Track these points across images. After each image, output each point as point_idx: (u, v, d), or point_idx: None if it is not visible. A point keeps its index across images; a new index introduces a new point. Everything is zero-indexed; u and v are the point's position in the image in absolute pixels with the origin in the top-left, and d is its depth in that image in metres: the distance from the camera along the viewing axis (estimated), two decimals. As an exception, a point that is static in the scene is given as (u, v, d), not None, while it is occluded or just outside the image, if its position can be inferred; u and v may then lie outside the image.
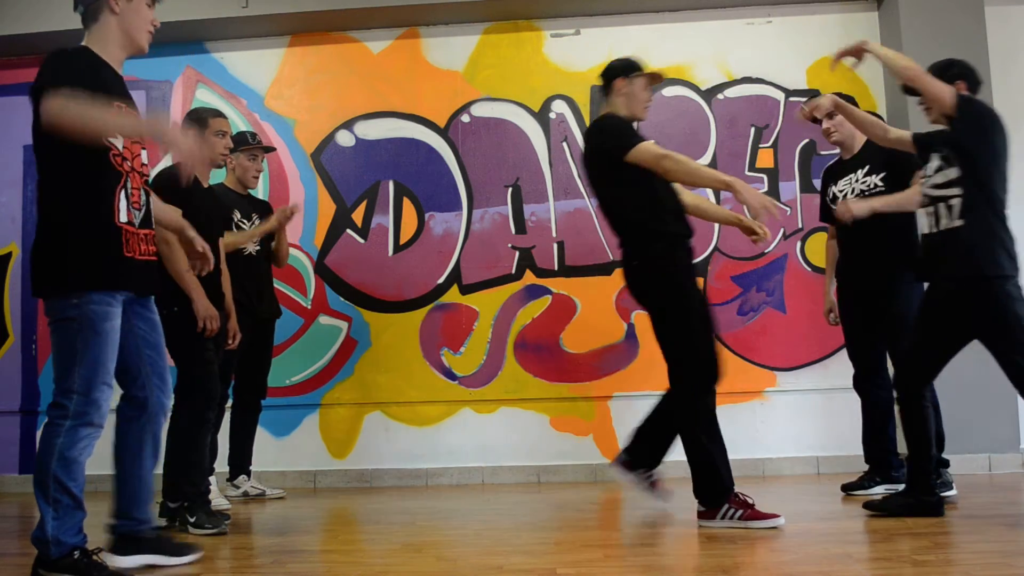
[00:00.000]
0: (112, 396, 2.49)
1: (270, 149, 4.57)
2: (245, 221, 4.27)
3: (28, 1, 5.09)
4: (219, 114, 3.75)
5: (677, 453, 3.24)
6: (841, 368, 4.42)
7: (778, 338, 4.93)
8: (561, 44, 5.21)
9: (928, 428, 3.17)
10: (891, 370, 3.89)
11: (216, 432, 3.94)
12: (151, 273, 2.60)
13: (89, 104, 2.34)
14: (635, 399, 3.58)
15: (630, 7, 5.13)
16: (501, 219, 5.12)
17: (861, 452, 3.97)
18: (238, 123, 5.09)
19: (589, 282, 5.00)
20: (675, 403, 3.22)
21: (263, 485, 4.53)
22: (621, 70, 3.36)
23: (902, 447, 3.52)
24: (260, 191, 4.91)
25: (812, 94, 4.58)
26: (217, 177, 3.97)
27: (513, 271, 5.08)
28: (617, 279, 4.65)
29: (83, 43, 2.56)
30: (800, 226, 4.99)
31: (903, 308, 3.71)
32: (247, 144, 4.27)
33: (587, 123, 4.99)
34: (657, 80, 3.41)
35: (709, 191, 4.62)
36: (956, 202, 3.06)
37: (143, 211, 2.56)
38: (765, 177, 5.04)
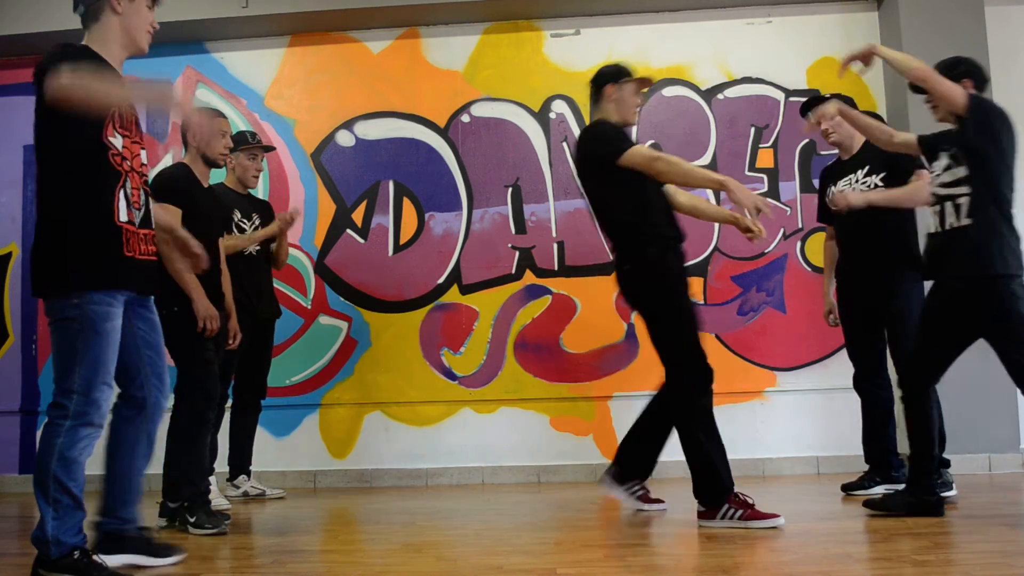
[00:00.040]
0: (112, 396, 2.50)
1: (270, 148, 4.57)
2: (245, 221, 4.27)
3: (28, 1, 5.09)
4: (219, 114, 3.76)
5: (676, 453, 3.24)
6: (841, 368, 4.42)
7: (778, 338, 4.93)
8: (561, 44, 5.21)
9: (932, 428, 3.18)
10: (891, 370, 3.90)
11: (216, 432, 3.94)
12: (151, 273, 2.60)
13: (95, 76, 2.34)
14: (635, 399, 3.58)
15: (630, 7, 5.13)
16: (501, 219, 5.12)
17: (861, 452, 3.97)
18: (238, 123, 5.09)
19: (589, 282, 5.00)
20: (673, 404, 3.25)
21: (263, 485, 4.53)
22: (610, 76, 3.38)
23: (902, 447, 3.52)
24: (260, 191, 4.91)
25: (812, 94, 4.57)
26: (217, 177, 3.97)
27: (513, 271, 5.08)
28: (617, 279, 4.65)
29: (83, 43, 2.56)
30: (800, 226, 4.99)
31: (903, 307, 3.72)
32: (247, 143, 4.27)
33: (587, 123, 4.99)
34: (646, 84, 3.44)
35: (709, 192, 4.62)
36: (964, 201, 3.06)
37: (143, 211, 2.56)
38: (765, 177, 5.04)
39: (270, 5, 5.04)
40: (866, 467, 3.95)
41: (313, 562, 2.79)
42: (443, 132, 5.20)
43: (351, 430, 5.06)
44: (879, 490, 3.77)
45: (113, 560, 2.53)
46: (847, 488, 3.89)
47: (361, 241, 5.16)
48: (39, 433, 2.88)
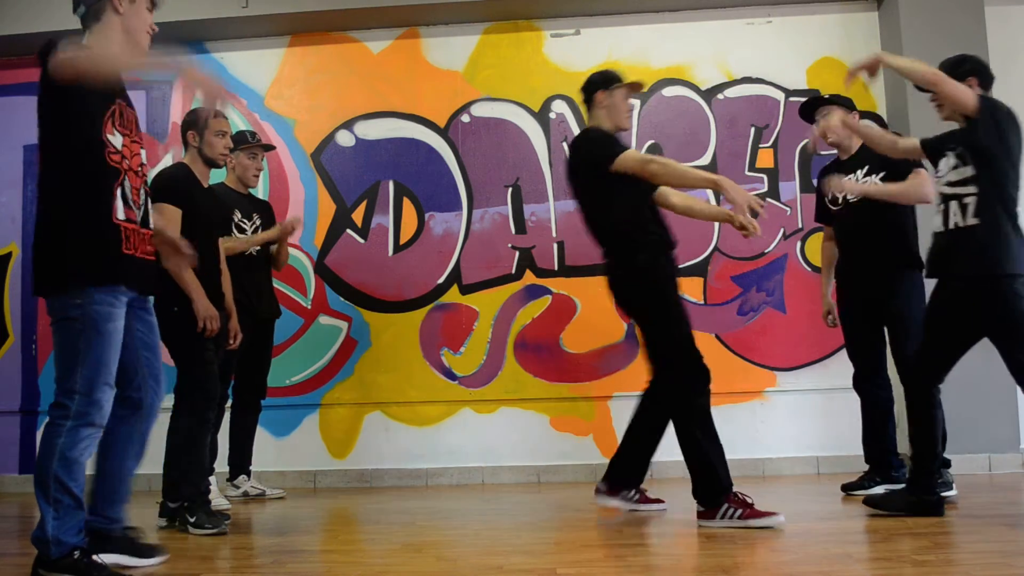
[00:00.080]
0: (113, 396, 2.49)
1: (270, 147, 4.57)
2: (246, 221, 4.27)
3: (28, 1, 5.08)
4: (219, 114, 3.75)
5: (675, 453, 3.24)
6: (841, 368, 4.42)
7: (778, 338, 4.93)
8: (561, 44, 5.21)
9: (936, 429, 3.18)
10: (891, 370, 3.90)
11: (216, 432, 3.93)
12: (151, 272, 2.61)
13: (100, 50, 2.35)
14: (635, 399, 3.57)
15: (630, 7, 5.13)
16: (501, 219, 5.12)
17: (861, 452, 3.97)
18: (238, 123, 5.09)
19: (589, 282, 5.00)
20: (671, 405, 3.25)
21: (263, 485, 4.53)
22: (601, 83, 3.39)
23: (902, 447, 3.52)
24: (260, 191, 4.91)
25: (812, 94, 4.57)
26: (217, 177, 3.98)
27: (513, 271, 5.08)
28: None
29: (83, 42, 2.56)
30: (800, 226, 4.99)
31: (903, 307, 3.72)
32: (247, 143, 4.28)
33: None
34: (637, 89, 3.45)
35: (709, 192, 4.62)
36: (971, 200, 3.05)
37: (142, 210, 2.56)
38: (765, 177, 5.04)
39: (270, 5, 5.04)
40: (866, 467, 3.95)
41: (313, 562, 2.79)
42: (443, 132, 5.20)
43: (351, 430, 5.06)
44: (879, 490, 3.76)
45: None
46: (847, 488, 3.89)
47: (361, 241, 5.16)
48: (39, 433, 2.88)
